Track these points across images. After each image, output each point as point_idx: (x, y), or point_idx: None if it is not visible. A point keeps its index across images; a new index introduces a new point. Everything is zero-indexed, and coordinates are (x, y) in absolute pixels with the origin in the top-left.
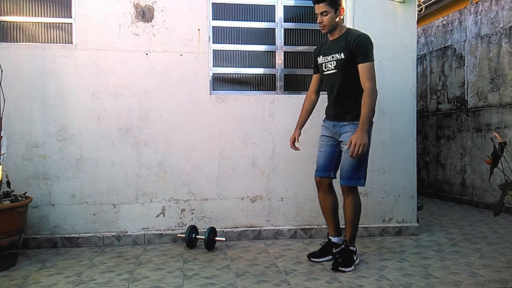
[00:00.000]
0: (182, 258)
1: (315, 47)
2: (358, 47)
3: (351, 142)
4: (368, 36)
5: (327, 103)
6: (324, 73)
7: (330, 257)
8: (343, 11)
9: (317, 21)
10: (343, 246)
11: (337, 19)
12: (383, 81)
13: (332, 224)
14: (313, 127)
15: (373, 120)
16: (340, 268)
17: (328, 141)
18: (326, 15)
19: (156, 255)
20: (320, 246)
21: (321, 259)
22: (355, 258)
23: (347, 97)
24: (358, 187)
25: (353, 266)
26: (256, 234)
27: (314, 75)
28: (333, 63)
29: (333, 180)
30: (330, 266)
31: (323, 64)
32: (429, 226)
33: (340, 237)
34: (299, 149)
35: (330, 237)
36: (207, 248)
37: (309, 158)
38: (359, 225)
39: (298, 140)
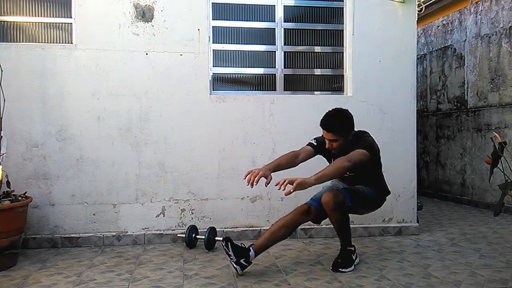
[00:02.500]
0: (182, 258)
1: (318, 137)
2: (361, 142)
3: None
4: (373, 140)
5: None
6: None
7: (234, 259)
8: (352, 133)
9: (326, 145)
10: (340, 247)
11: (347, 141)
12: (383, 81)
13: (269, 239)
14: (314, 127)
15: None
16: (340, 269)
17: (338, 183)
18: (336, 141)
19: (156, 255)
20: (241, 245)
21: (229, 252)
22: (354, 257)
23: (365, 185)
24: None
25: (353, 266)
26: (256, 234)
27: (309, 148)
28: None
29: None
30: (330, 267)
31: None
32: (429, 226)
33: (252, 255)
34: (252, 186)
35: (251, 247)
36: (207, 248)
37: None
38: (359, 225)
39: (267, 182)
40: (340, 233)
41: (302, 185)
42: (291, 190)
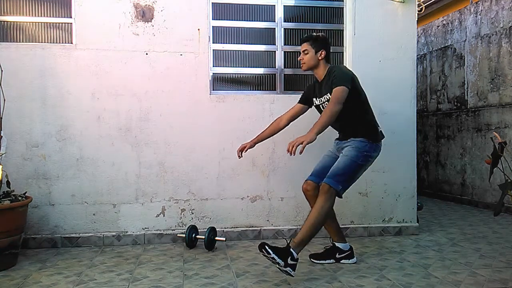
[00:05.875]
0: (182, 258)
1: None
2: (333, 78)
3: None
4: (343, 67)
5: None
6: None
7: (332, 260)
8: (324, 54)
9: (299, 58)
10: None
11: (316, 59)
12: (383, 81)
13: (332, 230)
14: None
15: (373, 142)
16: (265, 247)
17: (330, 154)
18: (306, 54)
19: (156, 255)
20: (324, 249)
21: (321, 261)
22: (292, 263)
23: (349, 125)
24: (337, 196)
25: (288, 268)
26: (256, 234)
27: (297, 104)
28: (327, 103)
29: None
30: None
31: (321, 105)
32: (429, 226)
33: (346, 243)
34: (241, 157)
35: (334, 242)
36: (207, 248)
37: (309, 158)
38: (359, 225)
39: (246, 150)
40: (307, 222)
41: (305, 142)
42: (301, 150)
